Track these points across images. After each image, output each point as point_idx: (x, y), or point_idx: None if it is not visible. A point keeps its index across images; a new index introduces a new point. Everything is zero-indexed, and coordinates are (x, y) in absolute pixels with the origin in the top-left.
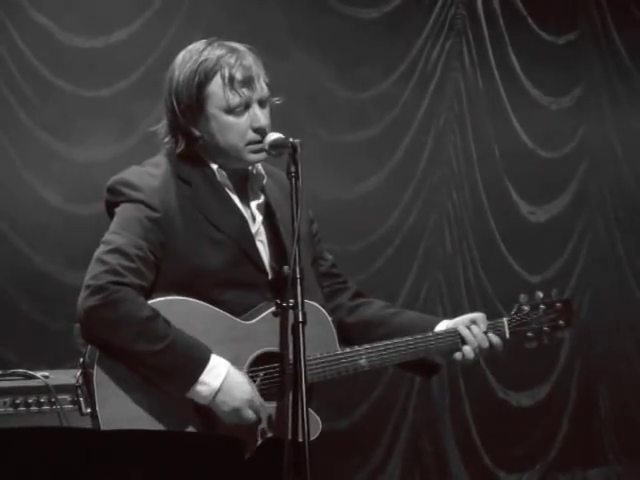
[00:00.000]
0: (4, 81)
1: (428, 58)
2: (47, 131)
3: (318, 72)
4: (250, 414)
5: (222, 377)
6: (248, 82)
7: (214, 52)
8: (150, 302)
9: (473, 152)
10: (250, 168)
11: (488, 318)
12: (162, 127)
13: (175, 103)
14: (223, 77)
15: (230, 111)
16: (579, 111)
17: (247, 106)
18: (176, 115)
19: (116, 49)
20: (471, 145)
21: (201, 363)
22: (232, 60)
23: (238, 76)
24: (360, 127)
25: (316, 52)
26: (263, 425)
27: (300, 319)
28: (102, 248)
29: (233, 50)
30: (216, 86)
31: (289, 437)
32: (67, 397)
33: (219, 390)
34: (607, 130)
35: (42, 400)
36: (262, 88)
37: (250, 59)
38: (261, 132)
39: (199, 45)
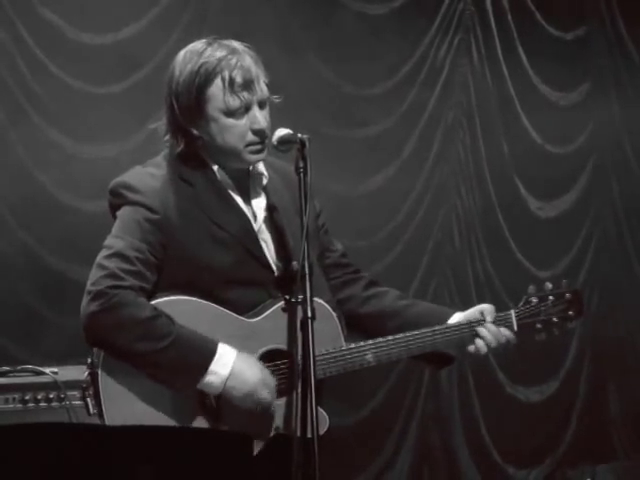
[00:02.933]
0: (13, 78)
1: (436, 54)
2: (56, 128)
3: (326, 68)
4: (265, 394)
5: (230, 364)
6: (248, 85)
7: (214, 54)
8: (154, 302)
9: (481, 148)
10: (250, 167)
11: (496, 312)
12: (162, 125)
13: (175, 103)
14: (223, 80)
15: (230, 114)
16: (587, 106)
17: (247, 108)
18: (175, 114)
19: (124, 45)
20: (479, 141)
21: (209, 354)
22: (232, 62)
23: (238, 79)
24: (368, 123)
25: (324, 48)
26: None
27: (309, 315)
28: (102, 253)
29: (233, 51)
30: (216, 89)
31: (297, 433)
32: (76, 393)
33: (229, 376)
34: (615, 125)
35: (51, 396)
36: (262, 90)
37: (250, 60)
38: (260, 134)
39: (199, 45)
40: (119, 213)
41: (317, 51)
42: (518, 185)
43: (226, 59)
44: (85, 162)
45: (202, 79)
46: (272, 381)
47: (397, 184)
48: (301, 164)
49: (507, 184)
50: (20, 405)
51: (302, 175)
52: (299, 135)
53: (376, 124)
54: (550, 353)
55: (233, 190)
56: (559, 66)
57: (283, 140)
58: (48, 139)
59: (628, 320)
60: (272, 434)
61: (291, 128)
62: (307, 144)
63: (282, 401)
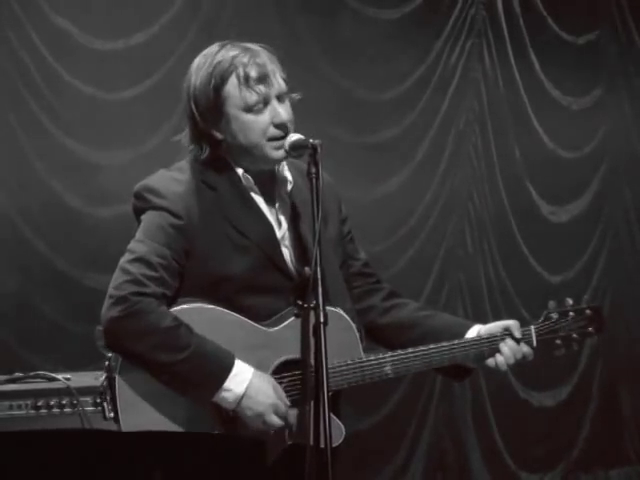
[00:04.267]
0: (24, 85)
1: (448, 59)
2: (67, 134)
3: (339, 73)
4: (275, 419)
5: (246, 383)
6: (263, 79)
7: (228, 53)
8: (174, 309)
9: (493, 153)
10: (276, 171)
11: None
12: (185, 135)
13: (194, 108)
14: (238, 77)
15: (249, 110)
16: (599, 111)
17: (266, 103)
18: (196, 120)
19: (136, 51)
20: (491, 146)
21: (225, 370)
22: (246, 59)
23: (253, 74)
24: (381, 128)
25: (336, 54)
26: (289, 430)
27: (321, 320)
28: (126, 257)
29: (246, 49)
30: (232, 86)
31: (310, 443)
32: (89, 399)
33: (243, 396)
34: (627, 130)
35: (64, 402)
36: (279, 83)
37: (264, 56)
38: (283, 127)
39: (213, 48)
40: (143, 217)
41: (329, 56)
42: (530, 190)
43: (239, 56)
44: (98, 168)
45: (217, 79)
46: (284, 404)
47: (409, 189)
48: (313, 169)
49: (519, 189)
50: (33, 411)
51: (314, 180)
52: (311, 140)
53: (388, 129)
54: (562, 358)
55: (257, 195)
56: (571, 71)
57: (295, 145)
58: (60, 146)
59: None
60: (285, 446)
61: (303, 133)
62: (319, 149)
63: (300, 414)
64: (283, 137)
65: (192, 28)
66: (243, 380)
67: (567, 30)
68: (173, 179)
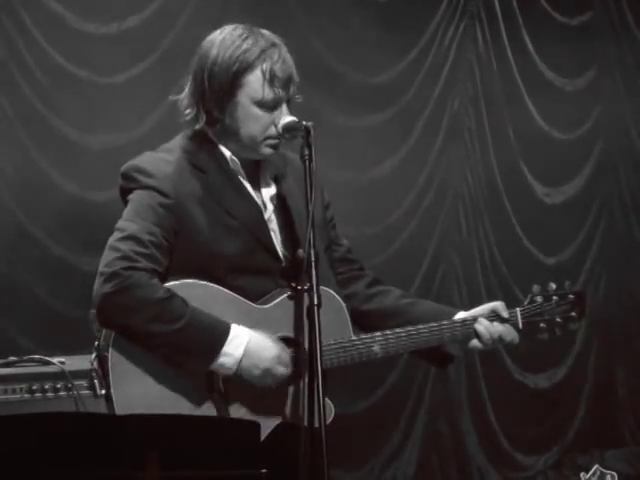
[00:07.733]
0: (18, 69)
1: (442, 41)
2: (61, 118)
3: (332, 56)
4: (281, 370)
5: (244, 345)
6: (286, 82)
7: (257, 43)
8: (166, 285)
9: (488, 134)
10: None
11: (505, 301)
12: (184, 98)
13: (207, 81)
14: (264, 72)
15: (261, 105)
16: (593, 92)
17: (277, 104)
18: (205, 92)
19: (129, 35)
20: (485, 127)
21: (222, 336)
22: (275, 56)
23: (279, 74)
24: (375, 111)
25: (330, 36)
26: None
27: (315, 302)
28: (115, 235)
29: (274, 45)
30: (255, 78)
31: (304, 422)
32: (83, 383)
33: (243, 357)
34: (622, 111)
35: (58, 386)
36: (294, 90)
37: (289, 59)
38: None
39: (239, 31)
40: (131, 197)
41: (323, 39)
42: (525, 171)
43: (269, 51)
44: (92, 153)
45: (242, 65)
46: (287, 355)
47: (404, 171)
48: (306, 151)
49: (513, 170)
50: (27, 395)
51: (307, 162)
52: (304, 122)
53: (382, 112)
54: (558, 339)
55: (244, 178)
56: (565, 52)
57: (288, 127)
58: (54, 130)
59: (635, 306)
60: (279, 421)
61: (296, 116)
62: (312, 131)
63: (290, 389)
64: (277, 138)
65: (185, 12)
66: (240, 343)
67: (560, 11)
68: (161, 159)
